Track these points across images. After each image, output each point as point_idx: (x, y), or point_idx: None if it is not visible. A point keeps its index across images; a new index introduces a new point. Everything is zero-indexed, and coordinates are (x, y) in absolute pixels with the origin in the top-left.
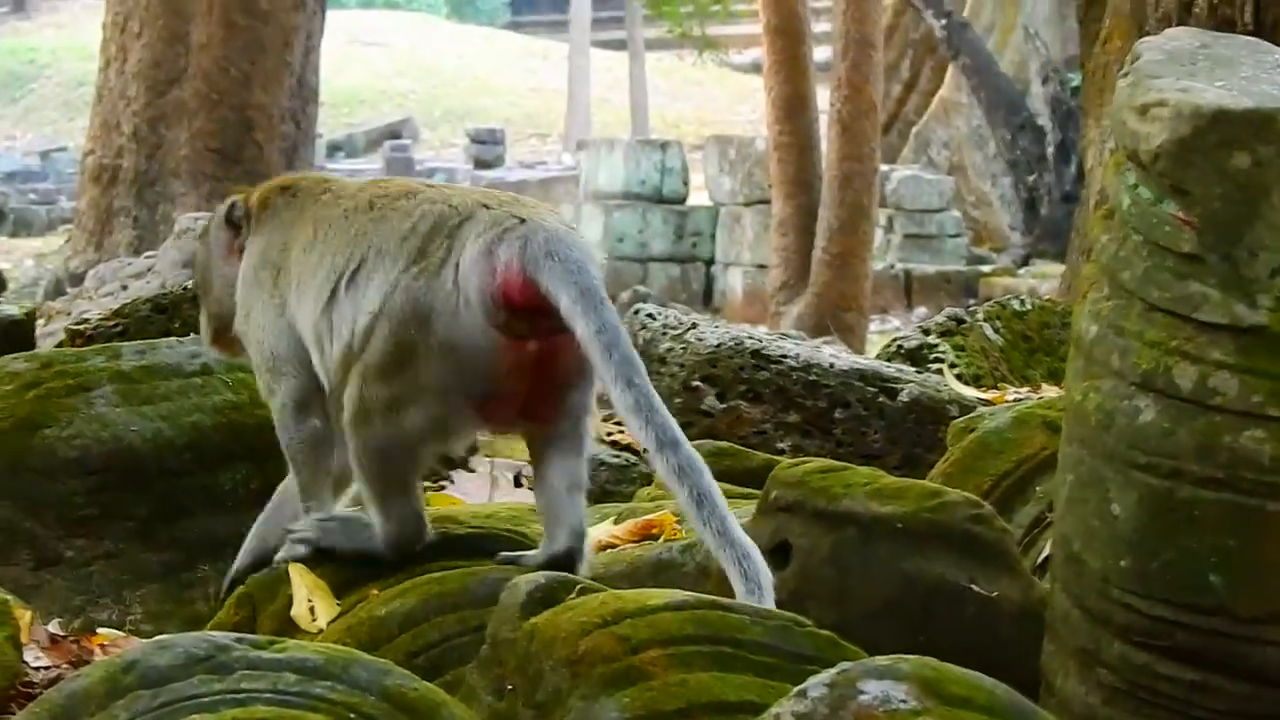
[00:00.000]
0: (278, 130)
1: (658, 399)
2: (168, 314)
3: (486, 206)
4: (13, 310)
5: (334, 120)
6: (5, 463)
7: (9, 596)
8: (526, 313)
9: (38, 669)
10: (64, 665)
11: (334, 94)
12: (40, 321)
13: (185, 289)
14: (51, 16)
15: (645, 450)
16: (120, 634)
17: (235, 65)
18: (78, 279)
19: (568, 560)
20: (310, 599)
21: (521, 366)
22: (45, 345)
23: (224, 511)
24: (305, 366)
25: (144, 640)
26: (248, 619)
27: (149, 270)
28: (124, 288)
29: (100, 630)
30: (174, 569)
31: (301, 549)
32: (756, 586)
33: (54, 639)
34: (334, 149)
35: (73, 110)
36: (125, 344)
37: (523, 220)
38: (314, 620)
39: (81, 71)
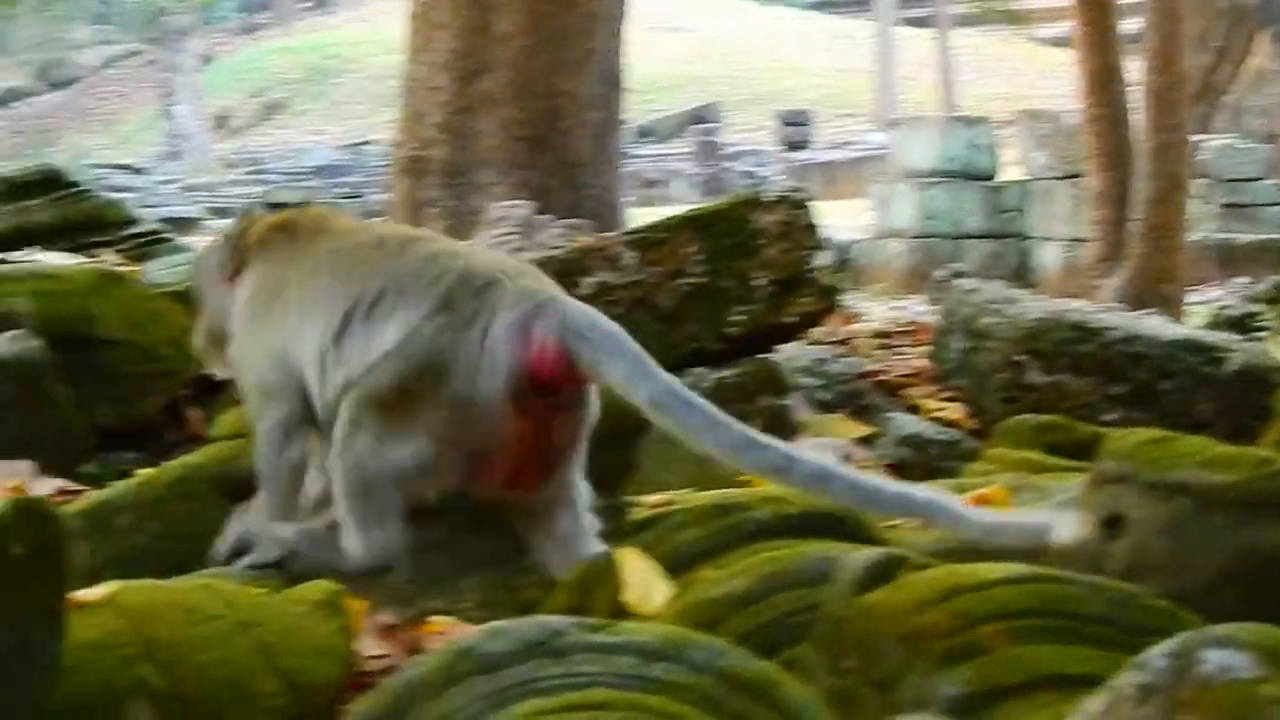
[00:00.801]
0: (585, 117)
1: (753, 431)
2: None
3: (506, 274)
4: None
5: (640, 106)
6: None
7: (341, 587)
8: (546, 390)
9: (372, 658)
10: (398, 653)
11: (639, 79)
12: None
13: None
14: (354, 12)
15: (772, 476)
16: (453, 621)
17: (541, 53)
18: None
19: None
20: (642, 582)
21: (523, 438)
22: None
23: None
24: (296, 394)
25: (478, 627)
26: (581, 604)
27: None
28: None
29: (433, 618)
30: (505, 556)
31: (273, 552)
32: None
33: (387, 628)
34: (642, 134)
35: (378, 104)
36: None
37: (554, 297)
38: (647, 603)
39: (385, 65)
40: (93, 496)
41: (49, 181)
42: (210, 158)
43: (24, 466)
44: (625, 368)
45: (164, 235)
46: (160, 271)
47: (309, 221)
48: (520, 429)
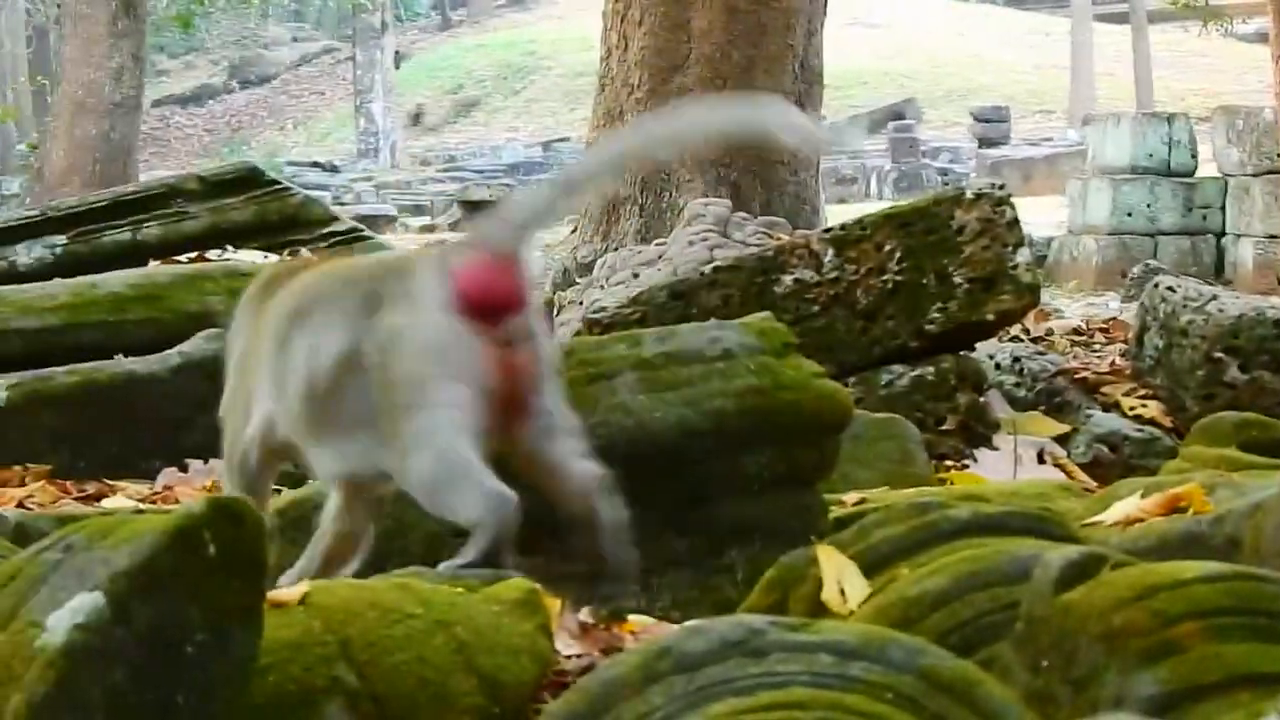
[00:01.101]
0: None
1: None
2: (684, 300)
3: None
4: None
5: (837, 102)
6: None
7: (538, 586)
8: (487, 311)
9: (569, 657)
10: (595, 653)
11: (836, 76)
12: (553, 311)
13: (701, 274)
14: (550, 9)
15: None
16: (650, 620)
17: (738, 50)
18: (586, 268)
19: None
20: (840, 580)
21: (497, 363)
22: (560, 334)
23: (749, 496)
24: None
25: (675, 626)
26: (778, 603)
27: (659, 258)
28: (635, 275)
29: (630, 618)
30: (701, 555)
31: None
32: None
33: (584, 627)
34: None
35: (573, 101)
36: (645, 331)
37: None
38: (845, 602)
39: (580, 62)
40: (288, 495)
41: (247, 180)
42: (404, 155)
43: (220, 466)
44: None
45: (362, 233)
46: None
47: (280, 276)
48: (495, 356)
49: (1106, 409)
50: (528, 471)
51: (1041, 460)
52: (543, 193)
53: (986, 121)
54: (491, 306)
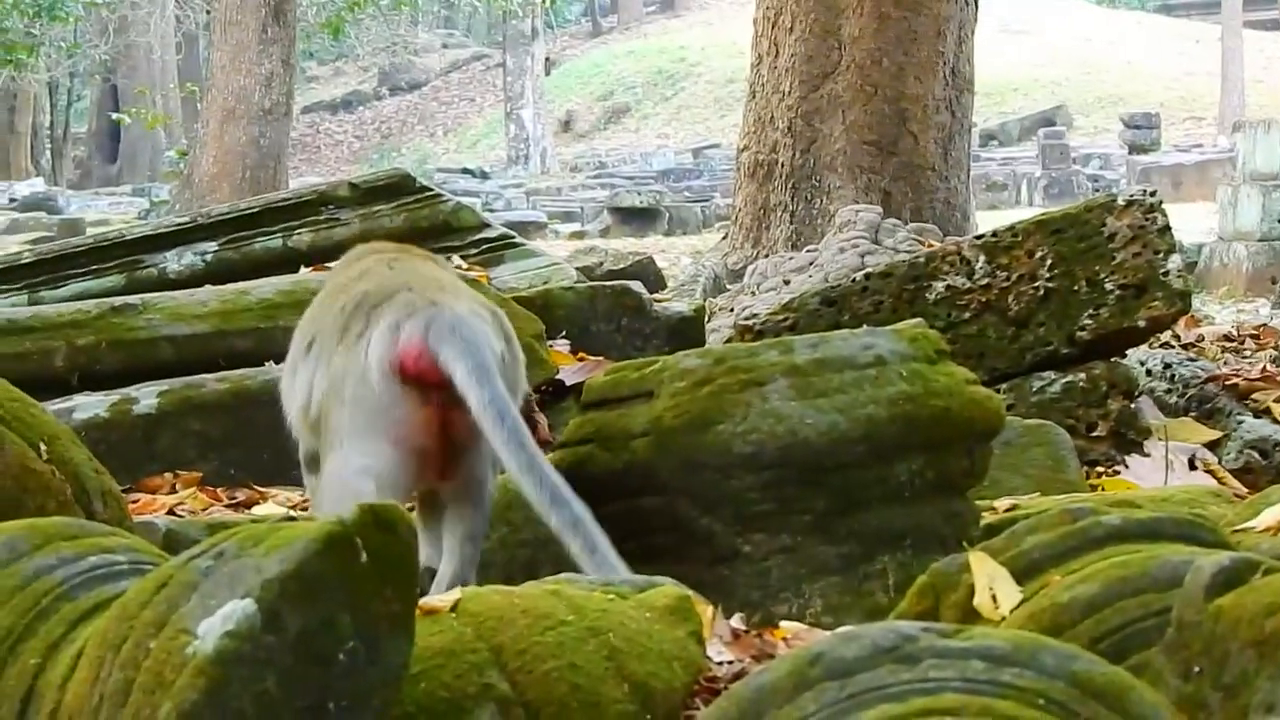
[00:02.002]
0: (933, 121)
1: (546, 461)
2: (836, 307)
3: (410, 290)
4: (682, 307)
5: (987, 109)
6: (680, 460)
7: (690, 592)
8: (420, 383)
9: (721, 664)
10: (747, 659)
11: (986, 83)
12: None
13: (853, 281)
14: (700, 14)
15: (537, 507)
16: (802, 627)
17: (889, 57)
18: (736, 275)
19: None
20: (992, 587)
21: (428, 426)
22: (712, 341)
23: (900, 503)
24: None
25: (827, 632)
26: (930, 609)
27: (810, 264)
28: (786, 282)
29: (781, 624)
30: (852, 561)
31: None
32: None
33: (736, 634)
34: (988, 138)
35: (723, 107)
36: (797, 338)
37: (434, 304)
38: (997, 608)
39: (731, 68)
40: None
41: (399, 186)
42: (555, 162)
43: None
44: (464, 373)
45: (514, 240)
46: (509, 276)
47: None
48: (425, 418)
49: (1257, 415)
50: (425, 509)
51: (1193, 466)
52: (506, 411)
53: (1137, 128)
54: (422, 379)
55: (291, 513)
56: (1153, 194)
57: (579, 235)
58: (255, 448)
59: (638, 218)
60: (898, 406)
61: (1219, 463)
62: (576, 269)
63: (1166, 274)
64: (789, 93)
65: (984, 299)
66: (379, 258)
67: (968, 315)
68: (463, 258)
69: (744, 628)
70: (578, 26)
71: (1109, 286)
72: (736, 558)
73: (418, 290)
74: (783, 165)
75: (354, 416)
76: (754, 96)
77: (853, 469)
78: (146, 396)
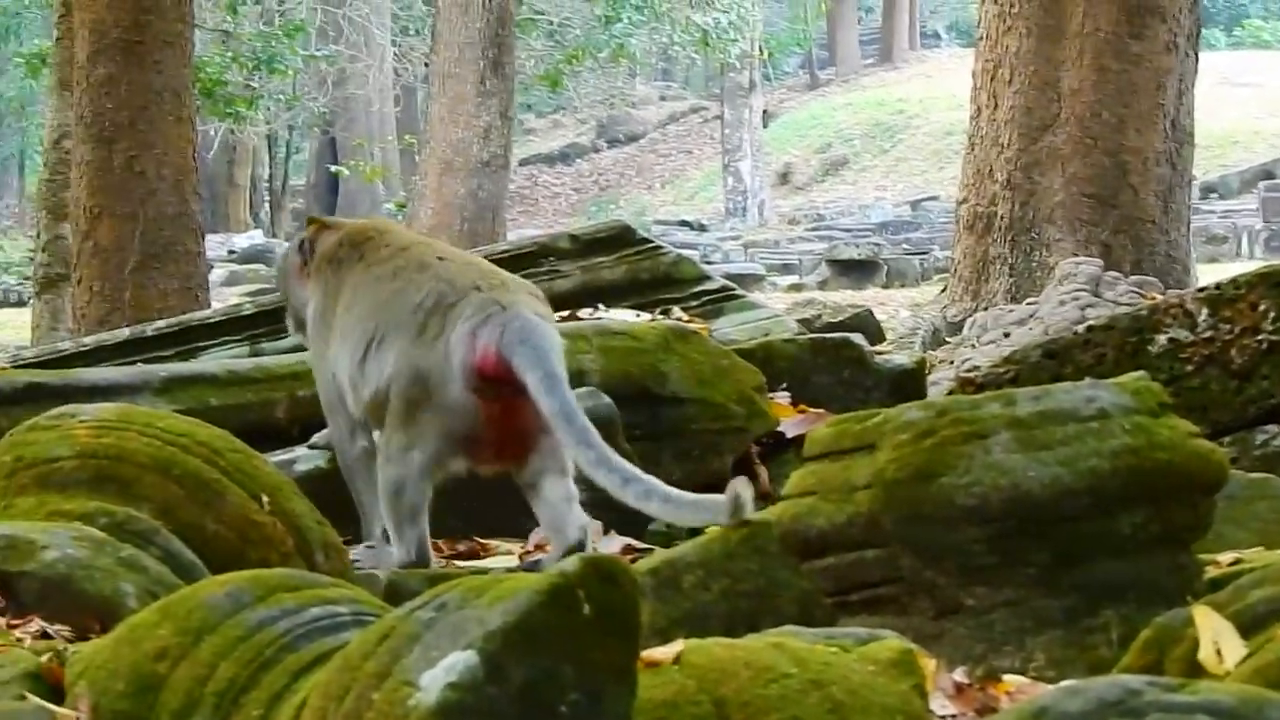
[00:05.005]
0: (1153, 173)
1: (613, 452)
2: (1057, 359)
3: (478, 289)
4: (903, 360)
5: (1207, 162)
6: (904, 512)
7: (913, 646)
8: (496, 382)
9: (944, 718)
10: (970, 713)
11: (1206, 135)
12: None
13: (1074, 333)
14: (919, 67)
15: (612, 491)
16: (1025, 681)
17: (1108, 109)
18: (955, 328)
19: (579, 549)
20: (1217, 641)
21: (493, 420)
22: (933, 394)
23: (1124, 556)
24: (346, 407)
25: (1051, 686)
26: (1154, 663)
27: (1031, 317)
28: (1006, 335)
29: (1004, 678)
30: (1075, 615)
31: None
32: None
33: (959, 687)
34: (1208, 191)
35: (941, 159)
36: (1019, 390)
37: (504, 307)
38: (1222, 662)
39: (949, 120)
40: (660, 554)
41: (619, 238)
42: (772, 214)
43: (592, 525)
44: (536, 380)
45: (734, 292)
46: (730, 328)
47: (361, 239)
48: (489, 413)
49: None
50: (525, 494)
51: None
52: (574, 414)
53: None
54: (498, 380)
55: (513, 565)
56: None
57: (796, 288)
58: (477, 500)
59: (856, 270)
60: (1121, 459)
61: None
62: (795, 321)
63: None
64: (1008, 145)
65: (1207, 352)
66: (415, 246)
67: (1190, 368)
68: (683, 309)
69: (967, 681)
70: (795, 79)
71: None
72: (960, 610)
73: (485, 289)
74: (1002, 218)
75: (436, 410)
76: (973, 149)
77: (1076, 522)
78: None
